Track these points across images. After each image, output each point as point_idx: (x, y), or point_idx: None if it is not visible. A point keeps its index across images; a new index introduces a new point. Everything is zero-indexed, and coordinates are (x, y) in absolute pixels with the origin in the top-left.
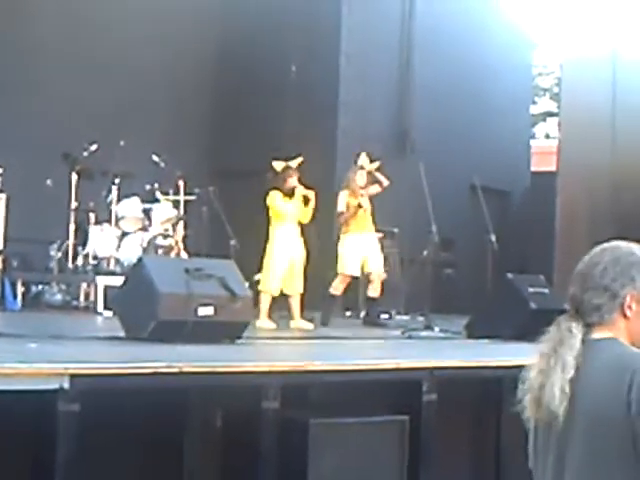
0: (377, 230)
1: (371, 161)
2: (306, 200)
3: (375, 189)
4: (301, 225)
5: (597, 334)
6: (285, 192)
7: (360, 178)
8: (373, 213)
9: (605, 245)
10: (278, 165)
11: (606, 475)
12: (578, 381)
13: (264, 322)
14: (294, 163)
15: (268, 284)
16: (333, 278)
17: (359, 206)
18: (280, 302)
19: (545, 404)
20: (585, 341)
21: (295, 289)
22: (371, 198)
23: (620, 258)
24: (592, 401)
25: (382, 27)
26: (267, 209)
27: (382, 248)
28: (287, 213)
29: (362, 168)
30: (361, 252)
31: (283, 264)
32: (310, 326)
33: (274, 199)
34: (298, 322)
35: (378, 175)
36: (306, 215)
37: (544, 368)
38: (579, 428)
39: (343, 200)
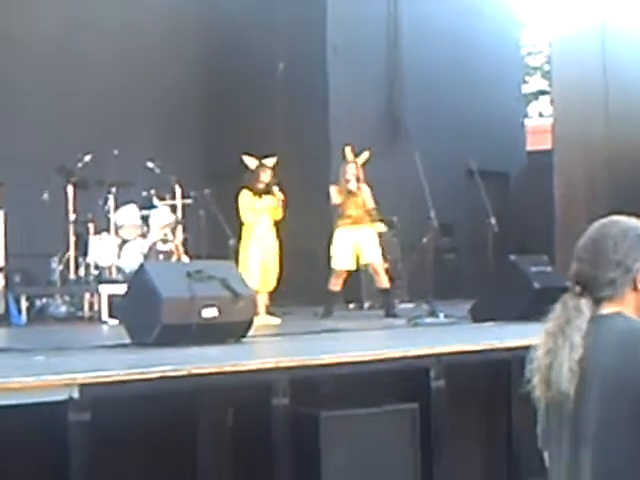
0: (379, 220)
1: (357, 155)
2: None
3: (366, 190)
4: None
5: (605, 309)
6: (256, 190)
7: (349, 171)
8: (367, 206)
9: (606, 220)
10: (251, 161)
11: (622, 448)
12: (588, 358)
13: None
14: (270, 162)
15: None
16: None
17: (349, 193)
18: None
19: (554, 384)
20: (594, 317)
21: (266, 286)
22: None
23: (628, 232)
24: (604, 376)
25: (368, 14)
26: (233, 209)
27: (382, 238)
28: (259, 209)
29: (348, 162)
30: (353, 245)
31: (259, 261)
32: (277, 321)
33: (244, 198)
34: (264, 318)
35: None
36: (277, 213)
37: (552, 348)
38: (592, 404)
39: (333, 194)
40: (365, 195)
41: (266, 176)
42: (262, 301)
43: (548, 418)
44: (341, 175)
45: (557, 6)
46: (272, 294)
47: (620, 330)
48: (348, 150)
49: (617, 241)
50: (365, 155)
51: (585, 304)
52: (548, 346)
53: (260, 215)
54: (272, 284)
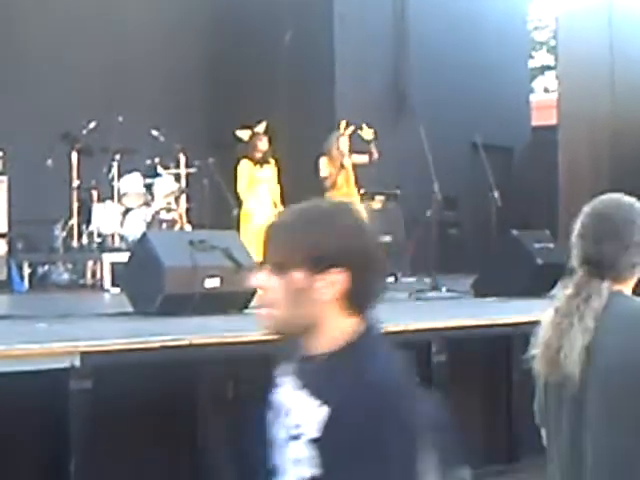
0: (379, 193)
1: (359, 129)
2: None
3: (361, 159)
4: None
5: (612, 289)
6: (255, 159)
7: (342, 144)
8: (358, 181)
9: (617, 199)
10: (244, 133)
11: (625, 429)
12: (595, 338)
13: None
14: (260, 127)
15: None
16: None
17: (342, 166)
18: None
19: (561, 366)
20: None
21: None
22: (355, 167)
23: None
24: (609, 358)
25: None
26: (235, 180)
27: (381, 211)
28: (259, 177)
29: (342, 135)
30: None
31: (260, 230)
32: None
33: (244, 167)
34: None
35: (372, 146)
36: (275, 191)
37: (563, 327)
38: (596, 385)
39: (324, 165)
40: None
41: (263, 144)
42: None
43: (547, 396)
44: (333, 147)
45: None
46: None
47: (622, 313)
48: (344, 123)
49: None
50: (371, 134)
51: (607, 287)
52: (559, 325)
53: (261, 184)
54: None
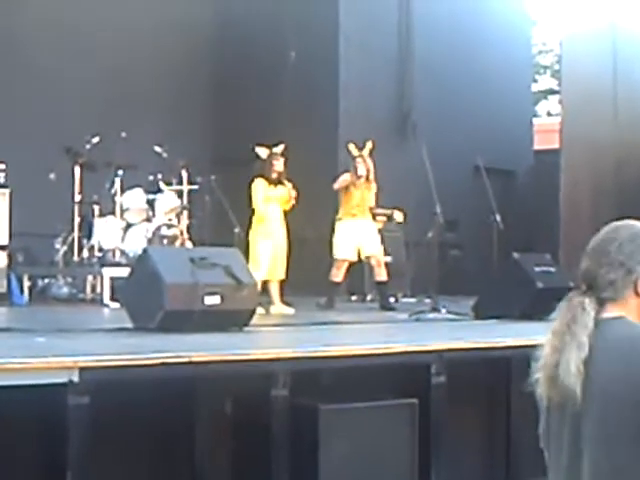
0: (381, 214)
1: (359, 147)
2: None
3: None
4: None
5: (608, 312)
6: (270, 179)
7: (360, 168)
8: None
9: (620, 223)
10: (262, 151)
11: (621, 458)
12: (591, 362)
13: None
14: (278, 149)
15: (255, 270)
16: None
17: (357, 175)
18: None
19: (561, 382)
20: (597, 320)
21: (276, 275)
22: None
23: (636, 235)
24: (604, 383)
25: (380, 7)
26: (249, 197)
27: (382, 231)
28: (272, 196)
29: (355, 157)
30: (355, 237)
31: (268, 248)
32: (291, 311)
33: (258, 186)
34: (279, 307)
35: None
36: (287, 204)
37: (558, 346)
38: (593, 410)
39: (342, 179)
40: (372, 191)
41: (279, 165)
42: (275, 290)
43: (549, 418)
44: (353, 175)
45: (568, 5)
46: (283, 283)
47: (620, 336)
48: (352, 146)
49: (622, 242)
50: (369, 145)
51: (589, 303)
52: (554, 344)
53: (272, 203)
54: (282, 273)
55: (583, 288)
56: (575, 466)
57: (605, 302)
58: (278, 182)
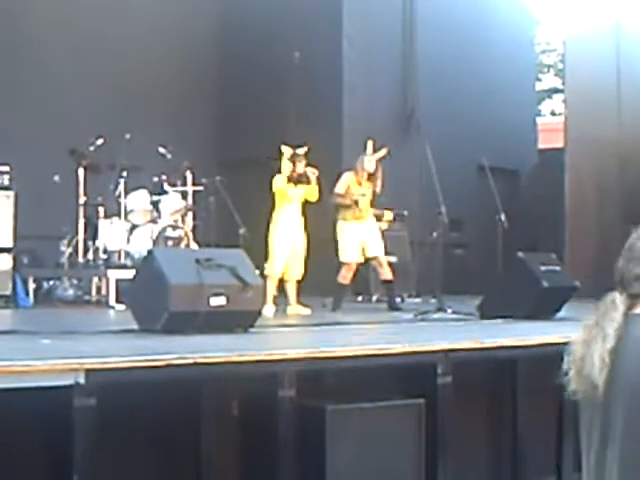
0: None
1: (375, 150)
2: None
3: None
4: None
5: (638, 309)
6: (291, 178)
7: (368, 164)
8: (373, 201)
9: None
10: (287, 150)
11: None
12: (618, 354)
13: (267, 308)
14: (301, 151)
15: (272, 267)
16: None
17: (364, 168)
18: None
19: (586, 374)
20: (628, 314)
21: (293, 275)
22: (374, 188)
23: None
24: (631, 378)
25: (384, 7)
26: (273, 195)
27: (386, 231)
28: (291, 197)
29: (367, 155)
30: (359, 239)
31: (286, 247)
32: (307, 311)
33: (279, 182)
34: (295, 307)
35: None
36: (313, 193)
37: (586, 339)
38: (620, 403)
39: (345, 181)
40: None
41: (301, 167)
42: (292, 290)
43: (582, 415)
44: (358, 166)
45: (572, 4)
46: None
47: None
48: (370, 144)
49: None
50: (383, 152)
51: (620, 298)
52: (583, 338)
53: (291, 203)
54: (300, 273)
55: (616, 285)
56: (603, 461)
57: (637, 298)
58: (298, 182)
